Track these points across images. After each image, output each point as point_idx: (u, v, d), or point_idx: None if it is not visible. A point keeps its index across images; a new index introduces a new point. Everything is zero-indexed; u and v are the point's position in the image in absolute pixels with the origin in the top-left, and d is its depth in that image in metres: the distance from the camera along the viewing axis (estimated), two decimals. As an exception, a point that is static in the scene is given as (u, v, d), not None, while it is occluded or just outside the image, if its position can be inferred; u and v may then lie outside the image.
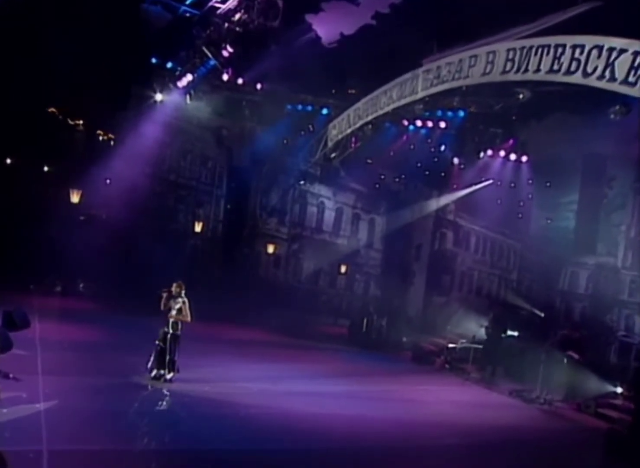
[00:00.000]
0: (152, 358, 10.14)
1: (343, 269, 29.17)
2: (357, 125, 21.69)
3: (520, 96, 15.70)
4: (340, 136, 23.17)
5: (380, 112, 20.09)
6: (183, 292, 10.36)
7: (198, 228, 27.59)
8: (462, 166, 26.69)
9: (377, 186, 31.42)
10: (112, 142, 25.24)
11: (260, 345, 16.92)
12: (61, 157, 23.86)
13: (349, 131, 22.50)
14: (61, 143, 23.90)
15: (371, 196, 33.23)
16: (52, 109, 24.53)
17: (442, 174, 27.92)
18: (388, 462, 7.95)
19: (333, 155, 24.48)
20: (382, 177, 31.00)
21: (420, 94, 17.54)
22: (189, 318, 10.29)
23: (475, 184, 26.93)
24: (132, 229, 25.47)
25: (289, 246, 32.31)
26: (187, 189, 30.04)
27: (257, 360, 13.93)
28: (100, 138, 25.58)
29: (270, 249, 27.74)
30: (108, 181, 23.83)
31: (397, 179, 30.73)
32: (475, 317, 20.49)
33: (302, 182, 29.32)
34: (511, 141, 22.61)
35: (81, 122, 24.85)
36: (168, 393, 9.61)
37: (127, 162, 23.97)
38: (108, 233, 23.95)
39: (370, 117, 20.79)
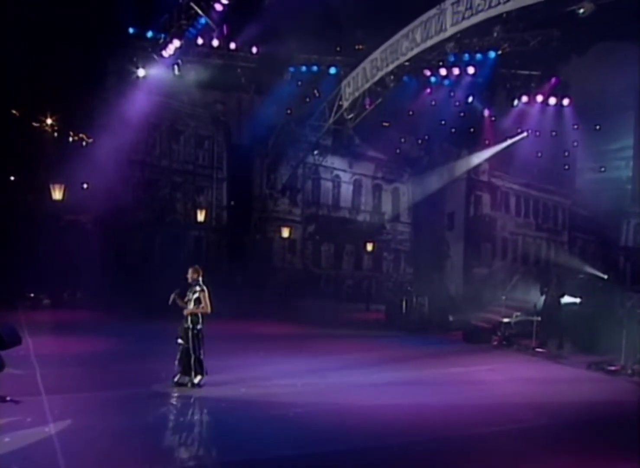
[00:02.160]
0: (177, 361, 9.48)
1: (369, 247, 28.42)
2: (376, 78, 20.77)
3: (581, 11, 14.50)
4: (356, 94, 22.29)
5: (402, 59, 19.15)
6: (200, 278, 9.60)
7: (200, 217, 26.99)
8: (493, 118, 26.01)
9: (398, 151, 31.01)
10: (84, 142, 24.31)
11: (289, 338, 16.31)
12: (29, 165, 22.93)
13: (366, 85, 21.58)
14: (26, 150, 22.90)
15: (392, 163, 32.87)
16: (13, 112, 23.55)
17: (471, 130, 27.19)
18: (479, 451, 7.27)
19: (350, 116, 23.61)
20: (403, 140, 30.54)
21: (449, 31, 16.57)
22: (208, 309, 9.45)
23: (511, 137, 26.15)
24: (122, 228, 25.10)
25: (304, 228, 31.91)
26: (183, 175, 29.56)
27: (290, 354, 13.32)
28: (71, 139, 24.55)
29: (285, 233, 27.09)
30: (85, 185, 23.08)
31: (419, 142, 30.20)
32: (527, 287, 19.82)
33: (315, 152, 28.52)
34: (550, 82, 21.68)
35: (49, 121, 23.86)
36: (200, 400, 8.94)
37: (109, 154, 23.24)
38: (95, 237, 23.57)
39: (390, 67, 19.87)
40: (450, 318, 20.33)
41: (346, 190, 33.15)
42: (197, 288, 9.48)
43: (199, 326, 9.43)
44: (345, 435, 7.57)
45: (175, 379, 9.41)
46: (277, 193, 30.13)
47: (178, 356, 9.43)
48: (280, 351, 13.56)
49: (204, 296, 9.43)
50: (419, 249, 31.67)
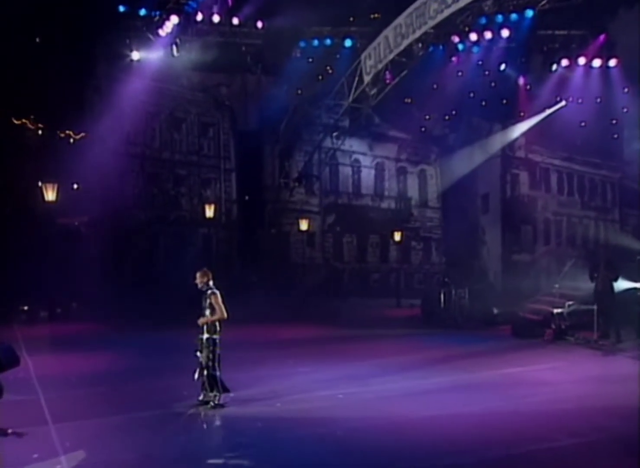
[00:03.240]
0: (197, 376, 8.95)
1: (397, 237, 27.91)
2: (401, 47, 20.08)
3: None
4: (379, 66, 21.66)
5: (431, 23, 18.46)
6: (211, 282, 9.03)
7: (209, 212, 26.46)
8: (529, 87, 25.46)
9: (423, 129, 30.62)
10: (71, 139, 23.84)
11: (317, 342, 15.76)
12: (12, 166, 22.44)
13: (390, 56, 20.90)
14: (7, 150, 22.40)
15: (417, 143, 32.62)
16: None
17: (504, 101, 26.55)
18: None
19: (373, 92, 23.00)
20: (427, 118, 30.07)
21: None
22: (224, 314, 8.90)
23: (549, 107, 25.48)
24: (121, 230, 24.87)
25: (323, 219, 31.60)
26: (187, 167, 29.21)
27: (322, 360, 12.76)
28: (59, 135, 24.07)
29: (303, 225, 26.60)
30: (77, 185, 22.67)
31: (446, 118, 29.67)
32: (582, 273, 19.16)
33: (334, 134, 27.99)
34: (595, 42, 20.87)
35: (31, 118, 23.39)
36: (231, 421, 8.37)
37: (104, 149, 22.98)
38: (91, 241, 23.34)
39: (417, 34, 19.19)
40: (495, 311, 19.73)
41: (367, 175, 32.84)
42: (208, 292, 8.91)
43: (214, 337, 8.85)
44: (411, 455, 7.04)
45: (201, 397, 8.88)
46: (293, 182, 29.72)
47: (198, 371, 8.86)
48: (311, 358, 13.07)
49: (216, 300, 8.85)
50: (451, 236, 31.28)
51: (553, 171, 34.49)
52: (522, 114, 27.13)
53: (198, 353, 8.91)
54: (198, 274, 8.95)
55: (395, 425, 8.25)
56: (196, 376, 8.89)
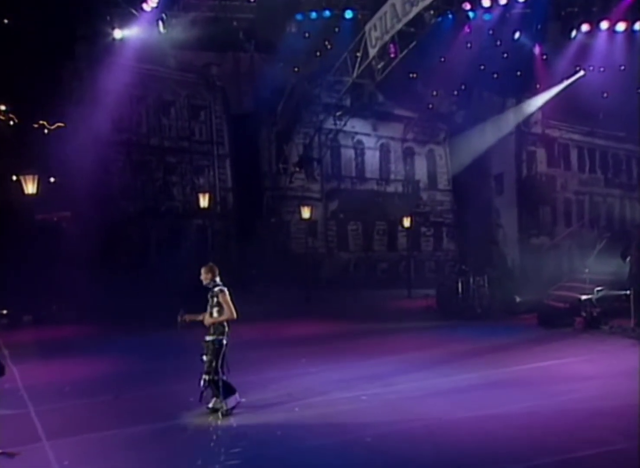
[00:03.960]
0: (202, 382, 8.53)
1: (406, 222, 27.62)
2: (410, 15, 19.58)
3: None
4: (386, 38, 21.32)
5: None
6: (217, 278, 8.59)
7: (203, 202, 25.98)
8: (545, 56, 24.97)
9: (431, 106, 30.50)
10: (45, 129, 23.40)
11: (328, 339, 15.39)
12: None
13: (398, 26, 20.48)
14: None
15: (424, 121, 32.45)
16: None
17: (518, 73, 26.19)
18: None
19: (380, 65, 22.60)
20: (435, 94, 29.93)
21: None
22: (233, 314, 8.47)
23: (568, 77, 25.07)
24: (108, 224, 24.39)
25: (326, 206, 31.39)
26: (177, 154, 28.93)
27: (337, 359, 12.37)
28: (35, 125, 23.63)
29: (306, 213, 26.20)
30: (56, 178, 22.32)
31: (455, 93, 29.56)
32: (612, 257, 18.86)
33: (338, 113, 27.62)
34: (620, 4, 20.33)
35: (2, 108, 22.93)
36: (247, 429, 7.95)
37: (86, 137, 22.69)
38: (75, 237, 22.86)
39: (428, 0, 18.64)
40: (517, 299, 19.55)
41: (372, 157, 32.70)
42: (216, 290, 8.47)
43: (220, 338, 8.41)
44: (452, 463, 6.64)
45: (210, 404, 8.46)
46: (293, 167, 29.53)
47: (203, 378, 8.44)
48: (324, 356, 12.74)
49: (225, 299, 8.40)
50: (463, 220, 31.26)
51: (573, 147, 34.22)
52: (538, 86, 26.92)
53: (204, 357, 8.48)
54: (203, 270, 8.51)
55: (428, 428, 7.86)
56: (202, 382, 8.44)
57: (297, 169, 29.09)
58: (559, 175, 33.50)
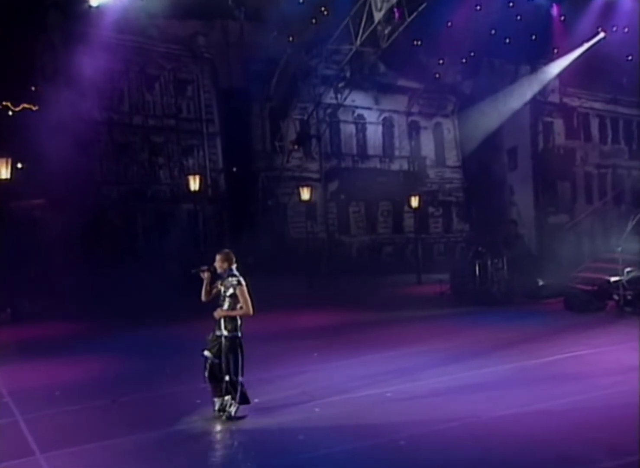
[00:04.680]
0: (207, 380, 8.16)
1: (414, 202, 27.42)
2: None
3: None
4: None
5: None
6: (234, 267, 8.23)
7: (193, 185, 25.65)
8: (563, 18, 24.64)
9: (437, 76, 30.34)
10: (10, 112, 22.96)
11: (338, 330, 15.04)
12: None
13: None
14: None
15: (430, 92, 32.31)
16: None
17: (533, 37, 25.87)
18: None
19: (387, 31, 22.26)
20: (441, 62, 29.68)
21: None
22: (250, 310, 8.14)
23: (588, 39, 24.80)
24: (89, 210, 24.10)
25: (325, 186, 31.21)
26: (163, 134, 28.67)
27: (351, 352, 12.05)
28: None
29: (305, 194, 25.99)
30: (19, 165, 21.97)
31: (463, 61, 29.21)
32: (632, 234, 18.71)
33: (341, 84, 27.28)
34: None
35: None
36: (265, 434, 7.55)
37: (62, 118, 22.18)
38: (53, 225, 22.82)
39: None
40: (540, 283, 19.24)
41: (374, 133, 32.55)
42: (232, 281, 8.10)
43: (237, 334, 8.07)
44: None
45: (216, 406, 8.10)
46: (291, 145, 29.28)
47: (206, 374, 8.07)
48: (337, 349, 12.45)
49: (242, 292, 8.04)
50: (474, 198, 31.51)
51: (594, 116, 33.98)
52: (555, 51, 26.59)
53: (206, 353, 8.12)
54: (218, 258, 8.12)
55: (467, 429, 7.50)
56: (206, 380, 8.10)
57: (295, 147, 28.81)
58: (578, 147, 33.20)
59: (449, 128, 33.72)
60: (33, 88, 23.37)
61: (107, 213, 25.84)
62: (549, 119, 32.79)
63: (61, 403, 9.01)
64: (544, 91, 30.85)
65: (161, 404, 8.92)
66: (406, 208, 31.21)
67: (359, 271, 27.66)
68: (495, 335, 13.78)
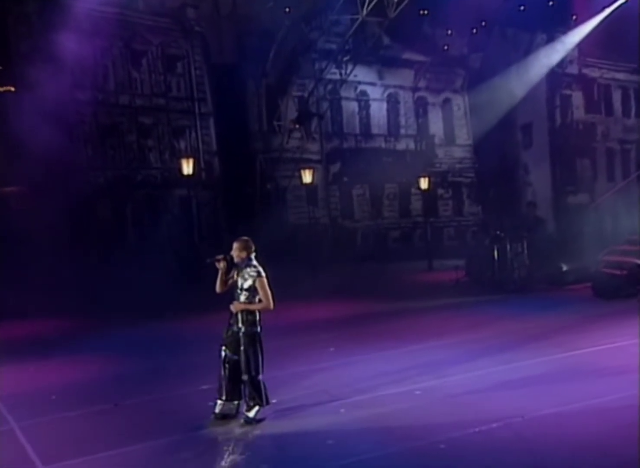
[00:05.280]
0: (222, 382, 7.88)
1: (423, 184, 27.24)
2: None
3: None
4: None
5: None
6: (253, 256, 7.93)
7: (187, 168, 25.31)
8: (582, -19, 24.43)
9: (446, 48, 30.34)
10: None
11: (351, 322, 14.82)
12: None
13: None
14: None
15: (438, 65, 32.20)
16: None
17: (550, 2, 25.56)
18: None
19: (395, -1, 21.99)
20: (449, 33, 29.68)
21: None
22: (270, 304, 7.87)
23: (610, 4, 24.49)
24: (73, 198, 23.89)
25: (327, 168, 31.15)
26: (153, 114, 28.50)
27: (369, 345, 11.83)
28: None
29: (307, 177, 25.69)
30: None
31: (474, 31, 29.15)
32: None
33: (346, 58, 26.94)
34: None
35: None
36: (287, 439, 7.25)
37: (42, 99, 21.95)
38: (34, 216, 22.31)
39: None
40: (564, 268, 19.01)
41: (378, 111, 32.47)
42: (251, 272, 7.81)
43: (256, 329, 7.78)
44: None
45: (217, 409, 7.82)
46: (292, 124, 29.01)
47: (223, 374, 7.80)
48: (354, 343, 12.22)
49: (262, 285, 7.77)
50: (486, 179, 31.29)
51: (615, 88, 33.81)
52: (574, 18, 26.19)
53: (223, 350, 7.84)
54: (236, 246, 7.81)
55: (512, 429, 7.20)
56: (222, 382, 7.79)
57: (296, 126, 28.53)
58: (599, 122, 33.11)
59: (458, 104, 33.65)
60: (8, 66, 22.98)
61: (93, 201, 25.70)
62: (567, 92, 32.62)
63: (59, 408, 8.68)
64: (561, 62, 30.68)
65: (170, 407, 8.59)
66: (413, 190, 31.22)
67: (364, 259, 27.68)
68: (522, 325, 13.50)
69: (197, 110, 29.24)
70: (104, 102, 27.11)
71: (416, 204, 32.29)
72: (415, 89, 33.01)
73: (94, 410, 8.53)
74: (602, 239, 21.54)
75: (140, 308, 17.19)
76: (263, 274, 7.74)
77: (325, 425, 7.62)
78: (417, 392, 8.85)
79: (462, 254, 23.85)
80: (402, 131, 33.03)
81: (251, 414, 7.67)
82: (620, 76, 33.24)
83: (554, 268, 19.16)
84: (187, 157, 25.33)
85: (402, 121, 33.04)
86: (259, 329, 7.80)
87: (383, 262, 26.81)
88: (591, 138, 32.57)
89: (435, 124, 33.67)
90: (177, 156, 27.45)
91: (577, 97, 32.93)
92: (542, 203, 29.78)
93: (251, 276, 7.75)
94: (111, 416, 8.32)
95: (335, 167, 31.21)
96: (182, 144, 29.02)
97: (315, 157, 30.66)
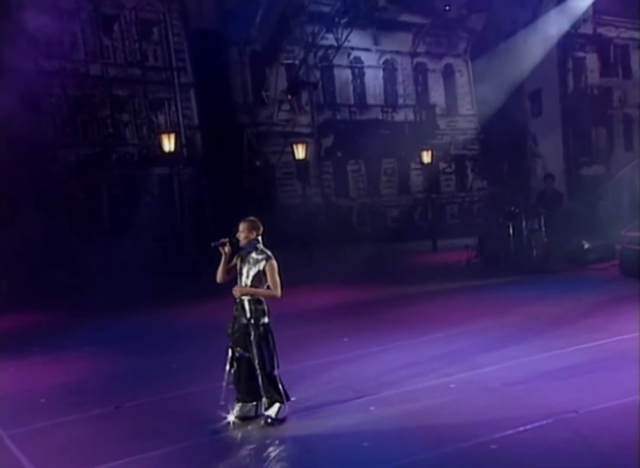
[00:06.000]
0: (225, 380, 7.59)
1: (426, 157, 27.20)
2: None
3: None
4: None
5: None
6: (259, 238, 7.64)
7: (168, 145, 24.98)
8: None
9: (447, 8, 30.16)
10: None
11: (360, 309, 14.67)
12: None
13: None
14: None
15: (439, 29, 32.15)
16: None
17: None
18: None
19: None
20: None
21: None
22: (278, 291, 7.62)
23: None
24: (43, 180, 24.30)
25: (318, 142, 30.97)
26: (127, 85, 28.15)
27: (386, 334, 11.64)
28: None
29: (300, 152, 25.50)
30: None
31: None
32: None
33: (343, 20, 26.73)
34: None
35: None
36: (315, 443, 7.04)
37: (1, 72, 21.97)
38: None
39: None
40: (586, 245, 18.93)
41: (373, 79, 32.36)
42: (258, 257, 7.54)
43: (265, 320, 7.52)
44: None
45: (235, 411, 7.56)
46: (284, 95, 28.94)
47: (234, 374, 7.56)
48: (368, 332, 12.09)
49: (272, 270, 7.48)
50: (491, 151, 31.14)
51: (634, 49, 33.33)
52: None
53: (231, 349, 7.62)
54: (242, 227, 7.49)
55: (568, 426, 6.95)
56: (226, 380, 7.55)
57: (289, 97, 28.20)
58: (616, 86, 32.80)
59: (461, 70, 33.59)
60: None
61: (64, 181, 25.44)
62: (581, 54, 32.42)
63: (51, 413, 8.32)
64: (575, 23, 30.41)
65: (179, 408, 8.30)
66: (413, 164, 31.19)
67: (361, 240, 27.76)
68: (549, 309, 13.37)
69: (176, 81, 28.97)
70: (73, 72, 26.75)
71: (416, 180, 32.19)
72: (413, 55, 32.85)
73: (92, 414, 8.19)
74: (619, 214, 21.54)
75: (123, 297, 17.15)
76: (274, 260, 7.46)
77: (355, 424, 7.37)
78: (452, 385, 8.66)
79: (467, 233, 23.85)
80: (400, 101, 32.90)
81: (272, 412, 7.40)
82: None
83: (574, 246, 19.11)
84: (169, 132, 25.07)
85: (400, 89, 32.88)
86: (268, 320, 7.55)
87: (382, 242, 26.66)
88: (607, 104, 32.41)
89: (436, 93, 33.55)
90: (156, 132, 27.32)
91: (592, 60, 32.70)
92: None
93: (259, 261, 7.47)
94: (113, 420, 7.99)
95: (327, 142, 31.05)
96: (161, 119, 28.78)
97: (305, 130, 30.49)
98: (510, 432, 6.85)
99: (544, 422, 7.11)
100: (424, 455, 6.45)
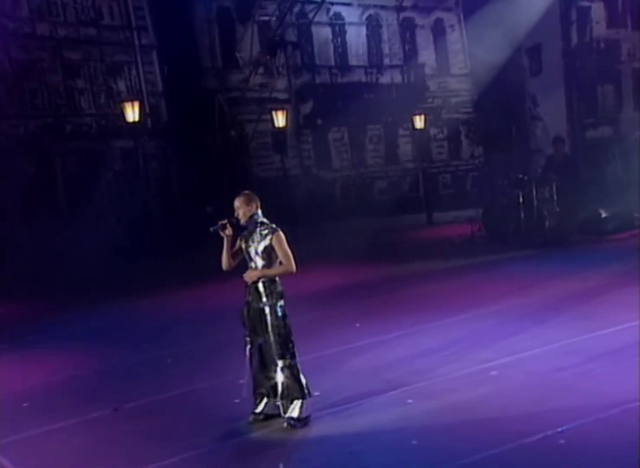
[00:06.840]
0: (247, 373, 7.37)
1: (418, 122, 27.18)
2: None
3: None
4: None
5: None
6: (259, 211, 7.37)
7: (132, 114, 24.57)
8: None
9: None
10: None
11: (365, 291, 14.69)
12: None
13: None
14: None
15: None
16: None
17: None
18: None
19: None
20: None
21: None
22: (292, 265, 7.36)
23: None
24: None
25: (296, 109, 30.85)
26: (82, 48, 27.83)
27: (403, 318, 11.64)
28: None
29: (280, 120, 25.66)
30: None
31: None
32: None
33: None
34: None
35: None
36: (358, 442, 6.73)
37: None
38: None
39: None
40: (603, 214, 18.94)
41: (356, 37, 32.35)
42: (263, 231, 7.31)
43: (281, 303, 7.34)
44: None
45: (258, 409, 7.34)
46: (262, 55, 28.77)
47: (254, 367, 7.39)
48: (380, 316, 12.04)
49: (280, 242, 7.26)
50: (487, 114, 31.09)
51: (644, -2, 33.33)
52: None
53: (248, 338, 7.36)
54: (239, 203, 7.29)
55: (636, 416, 6.72)
56: (248, 373, 7.35)
57: (268, 57, 28.34)
58: (624, 38, 32.45)
59: (452, 25, 33.61)
60: None
61: (12, 157, 25.00)
62: (585, 3, 32.26)
63: (38, 419, 8.01)
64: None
65: (187, 408, 8.06)
66: (401, 131, 31.49)
67: (346, 215, 27.86)
68: (576, 285, 13.32)
69: (136, 42, 28.78)
70: (16, 33, 26.33)
71: (405, 148, 32.36)
72: (399, 9, 32.73)
73: (86, 418, 7.89)
74: (629, 179, 21.68)
75: (89, 285, 16.96)
76: (280, 231, 7.26)
77: (395, 420, 7.14)
78: (493, 373, 8.49)
79: (462, 204, 23.75)
80: (386, 61, 32.98)
81: (294, 413, 7.13)
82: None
83: (590, 215, 19.14)
84: (132, 100, 24.65)
85: (386, 48, 32.93)
86: (283, 302, 7.37)
87: (369, 217, 26.93)
88: (615, 59, 32.30)
89: (426, 51, 33.59)
90: (116, 100, 27.01)
91: (598, 9, 32.47)
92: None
93: (265, 235, 7.22)
94: (112, 425, 7.69)
95: (306, 108, 31.06)
96: (121, 85, 28.62)
97: (282, 96, 30.46)
98: (574, 424, 6.66)
99: (610, 412, 6.93)
100: (483, 454, 6.18)
